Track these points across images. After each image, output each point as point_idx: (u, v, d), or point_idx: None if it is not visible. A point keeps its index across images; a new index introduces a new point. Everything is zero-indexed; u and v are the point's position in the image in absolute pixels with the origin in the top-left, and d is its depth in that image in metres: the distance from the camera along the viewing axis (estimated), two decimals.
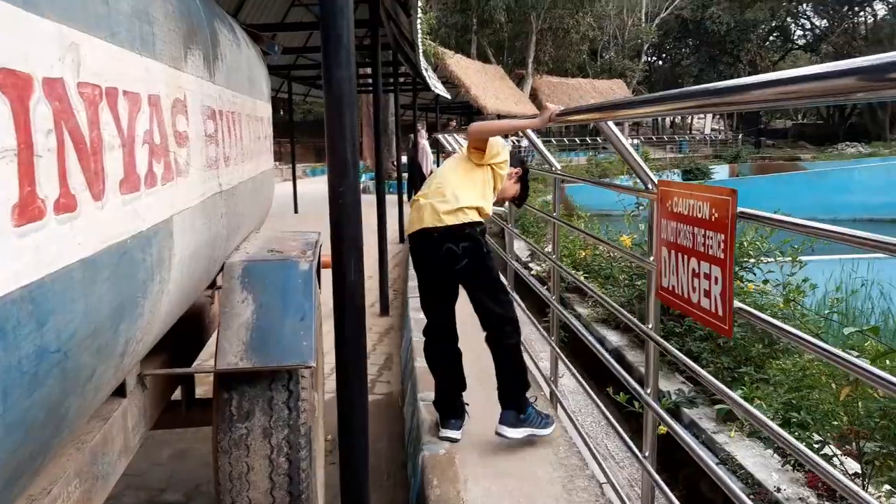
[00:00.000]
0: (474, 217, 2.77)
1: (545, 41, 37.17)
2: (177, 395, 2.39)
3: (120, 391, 1.68)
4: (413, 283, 6.11)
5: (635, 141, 38.67)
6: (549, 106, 2.72)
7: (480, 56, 36.33)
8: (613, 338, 5.63)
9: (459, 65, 27.56)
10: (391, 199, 10.65)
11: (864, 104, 48.96)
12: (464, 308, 2.96)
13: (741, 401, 1.66)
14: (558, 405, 3.28)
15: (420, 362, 3.67)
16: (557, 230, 3.22)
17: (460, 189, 2.78)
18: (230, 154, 2.08)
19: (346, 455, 1.76)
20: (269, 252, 2.21)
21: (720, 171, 31.03)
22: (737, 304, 1.48)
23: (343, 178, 1.68)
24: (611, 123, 2.06)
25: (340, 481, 1.79)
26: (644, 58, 47.60)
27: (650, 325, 2.06)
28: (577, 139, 36.06)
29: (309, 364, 1.88)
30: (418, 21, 7.03)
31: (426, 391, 3.22)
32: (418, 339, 4.15)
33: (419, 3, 5.98)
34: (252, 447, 1.93)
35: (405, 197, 11.30)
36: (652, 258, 2.06)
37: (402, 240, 9.62)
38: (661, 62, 54.16)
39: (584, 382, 3.17)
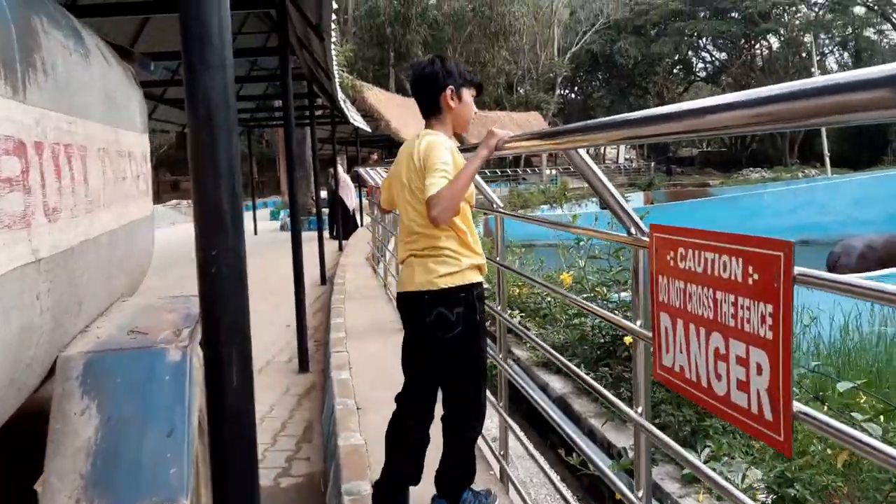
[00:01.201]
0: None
1: None
2: None
3: None
4: (336, 333, 5.54)
5: (553, 171, 39.33)
6: (496, 131, 2.27)
7: (399, 89, 36.25)
8: (557, 384, 5.19)
9: (378, 97, 27.28)
10: (310, 236, 10.04)
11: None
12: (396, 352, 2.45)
13: (725, 485, 1.21)
14: (509, 483, 2.77)
15: (345, 439, 3.10)
16: (503, 277, 2.74)
17: None
18: (59, 204, 1.47)
19: None
20: (129, 334, 1.61)
21: (635, 199, 31.81)
22: (797, 405, 1.03)
23: (217, 234, 1.14)
24: (581, 152, 1.61)
25: None
26: (558, 91, 48.88)
27: (640, 411, 1.59)
28: (497, 170, 36.30)
29: (180, 503, 1.31)
30: (333, 49, 6.56)
31: (354, 480, 2.65)
32: (343, 408, 3.58)
33: (332, 28, 5.50)
34: None
35: (325, 233, 10.67)
36: (639, 323, 1.60)
37: (323, 281, 8.97)
38: (573, 95, 55.78)
39: (536, 455, 2.70)
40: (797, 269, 1.01)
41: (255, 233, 16.75)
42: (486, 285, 2.47)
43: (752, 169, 43.70)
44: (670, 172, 46.42)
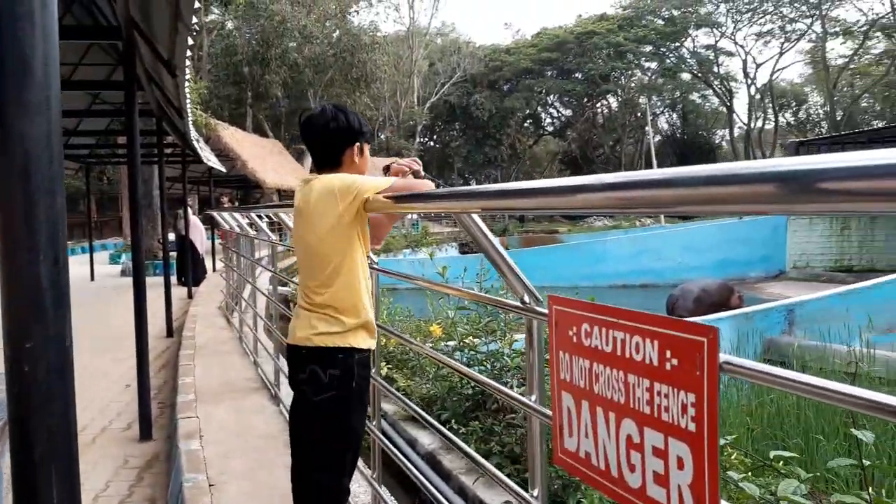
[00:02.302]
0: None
1: None
2: None
3: None
4: (184, 395, 5.01)
5: (415, 216, 39.81)
6: (401, 163, 2.40)
7: (257, 129, 35.32)
8: (425, 439, 5.02)
9: (234, 137, 26.34)
10: (156, 282, 9.24)
11: None
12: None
13: None
14: None
15: None
16: (378, 286, 2.56)
17: None
18: None
19: None
20: None
21: None
22: None
23: (32, 320, 0.88)
24: (475, 216, 1.50)
25: None
26: (418, 138, 49.96)
27: (535, 494, 1.47)
28: None
29: None
30: (186, 86, 6.15)
31: None
32: (192, 485, 3.17)
33: (187, 65, 5.14)
34: None
35: (172, 279, 9.89)
36: (534, 398, 1.49)
37: (170, 333, 8.25)
38: (433, 143, 57.28)
39: None
40: (723, 357, 0.93)
41: (92, 279, 15.32)
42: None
43: (596, 218, 46.79)
44: (523, 220, 48.56)
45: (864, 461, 2.18)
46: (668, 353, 1.01)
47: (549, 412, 1.35)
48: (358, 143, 2.33)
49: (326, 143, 2.30)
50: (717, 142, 58.09)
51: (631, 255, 24.22)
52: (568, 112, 57.77)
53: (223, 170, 18.00)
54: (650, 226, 36.06)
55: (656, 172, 0.82)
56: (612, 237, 27.56)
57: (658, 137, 55.51)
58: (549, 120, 60.34)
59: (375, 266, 2.54)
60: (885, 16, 44.12)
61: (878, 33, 45.34)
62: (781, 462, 2.29)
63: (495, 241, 1.50)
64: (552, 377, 1.32)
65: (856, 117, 49.71)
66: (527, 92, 51.64)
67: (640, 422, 1.08)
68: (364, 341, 2.20)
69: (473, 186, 1.46)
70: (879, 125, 40.94)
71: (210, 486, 3.16)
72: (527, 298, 1.48)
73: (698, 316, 15.70)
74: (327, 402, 2.14)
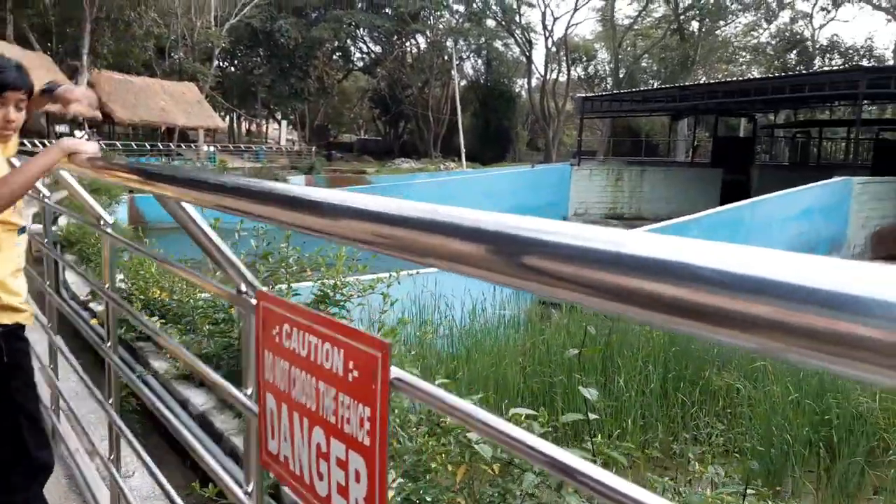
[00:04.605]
0: None
1: (102, 32, 33.05)
2: None
3: None
4: None
5: (212, 149, 37.31)
6: (82, 146, 1.96)
7: (20, 41, 30.47)
8: (199, 399, 4.78)
9: None
10: None
11: (412, 123, 56.56)
12: None
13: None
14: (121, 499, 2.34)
15: None
16: (113, 313, 2.30)
17: None
18: None
19: None
20: None
21: (297, 182, 32.01)
22: None
23: None
24: (188, 206, 1.34)
25: None
26: (216, 62, 46.36)
27: (250, 490, 1.41)
28: (147, 143, 33.01)
29: None
30: None
31: None
32: None
33: None
34: None
35: None
36: (250, 392, 1.41)
37: None
38: (233, 69, 53.55)
39: (159, 475, 2.34)
40: (394, 372, 0.92)
41: None
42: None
43: (403, 159, 47.33)
44: (330, 157, 47.74)
45: (589, 415, 2.43)
46: (351, 364, 0.98)
47: (257, 406, 1.29)
48: None
49: None
50: (516, 91, 60.96)
51: (436, 199, 24.77)
52: (378, 49, 56.98)
53: None
54: (453, 170, 37.29)
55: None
56: (419, 180, 28.10)
57: (464, 82, 56.95)
58: (358, 55, 59.17)
59: (108, 230, 2.26)
60: None
61: None
62: (524, 417, 2.47)
63: (207, 228, 1.36)
64: (257, 376, 1.26)
65: (636, 76, 54.79)
66: (335, 23, 49.88)
67: (327, 431, 1.05)
68: (6, 320, 2.11)
69: (190, 172, 1.31)
70: (655, 85, 45.60)
71: None
72: (244, 288, 1.39)
73: None
74: None
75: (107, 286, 2.35)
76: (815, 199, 14.50)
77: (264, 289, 1.24)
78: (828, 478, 5.74)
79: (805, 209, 14.34)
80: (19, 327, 2.16)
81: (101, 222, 2.34)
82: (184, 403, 4.87)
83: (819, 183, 14.67)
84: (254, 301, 1.34)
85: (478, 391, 6.67)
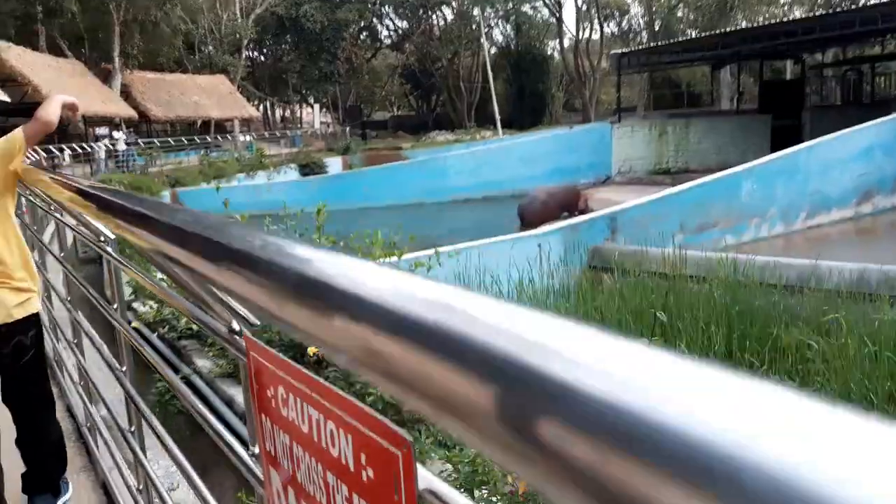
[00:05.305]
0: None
1: (132, 34, 33.29)
2: None
3: None
4: None
5: (248, 138, 37.53)
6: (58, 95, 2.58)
7: (53, 49, 30.96)
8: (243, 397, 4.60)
9: (23, 59, 22.98)
10: None
11: (444, 96, 55.93)
12: None
13: None
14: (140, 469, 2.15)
15: None
16: (115, 269, 2.07)
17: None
18: None
19: None
20: None
21: (334, 164, 31.93)
22: None
23: None
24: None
25: None
26: (245, 53, 46.46)
27: None
28: (184, 138, 33.32)
29: None
30: None
31: None
32: None
33: None
34: None
35: None
36: (257, 450, 1.14)
37: None
38: (262, 58, 53.65)
39: (161, 431, 2.13)
40: (423, 481, 0.62)
41: None
42: None
43: (438, 131, 46.82)
44: (365, 137, 47.55)
45: None
46: (364, 458, 0.69)
47: (263, 477, 1.01)
48: None
49: None
50: (549, 53, 59.50)
51: (472, 168, 24.50)
52: (404, 24, 56.25)
53: (7, 99, 15.63)
54: (489, 139, 36.71)
55: None
56: (454, 152, 27.66)
57: (494, 49, 55.82)
58: (385, 32, 58.53)
59: (112, 253, 2.02)
60: None
61: None
62: None
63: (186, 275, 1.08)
64: (260, 446, 0.98)
65: (672, 27, 52.78)
66: (360, 3, 49.33)
67: None
68: (39, 304, 2.61)
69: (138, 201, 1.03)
70: (693, 34, 43.85)
71: None
72: (235, 325, 1.11)
73: (547, 219, 16.30)
74: (30, 360, 2.49)
75: (115, 307, 2.14)
76: (874, 136, 13.63)
77: (254, 338, 0.95)
78: None
79: (865, 148, 13.50)
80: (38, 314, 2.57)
81: (102, 238, 2.10)
82: (229, 402, 4.69)
83: (878, 120, 13.76)
84: (242, 342, 1.06)
85: None
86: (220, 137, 36.82)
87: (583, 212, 16.22)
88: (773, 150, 20.93)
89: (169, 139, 32.66)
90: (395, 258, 4.64)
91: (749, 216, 11.83)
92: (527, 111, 52.08)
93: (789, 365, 6.33)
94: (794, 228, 12.45)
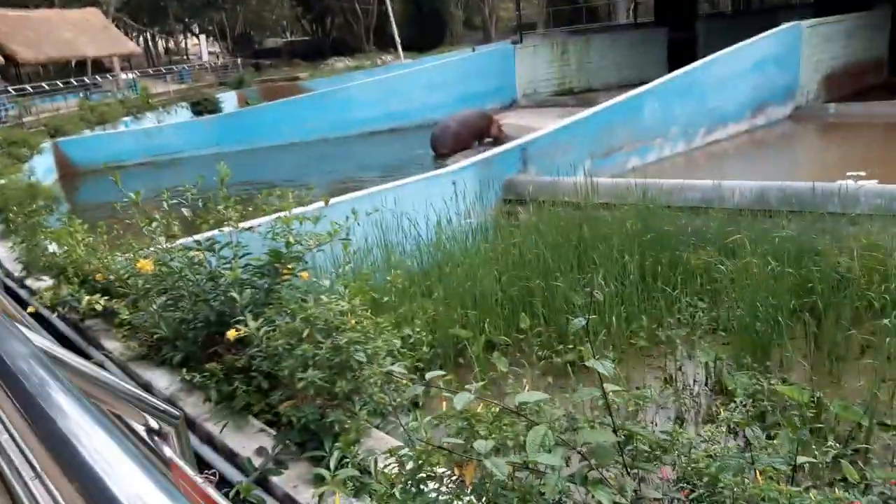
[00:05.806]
0: None
1: None
2: None
3: None
4: None
5: (131, 76, 34.76)
6: None
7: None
8: (163, 381, 4.36)
9: None
10: None
11: (340, 18, 53.46)
12: None
13: None
14: None
15: None
16: None
17: None
18: None
19: None
20: None
21: (229, 100, 30.19)
22: None
23: None
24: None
25: None
26: None
27: None
28: (59, 82, 30.47)
29: None
30: None
31: None
32: None
33: None
34: None
35: None
36: None
37: None
38: None
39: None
40: None
41: None
42: None
43: (336, 58, 44.99)
44: (259, 67, 45.06)
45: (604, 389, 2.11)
46: None
47: None
48: None
49: None
50: None
51: (378, 99, 23.74)
52: None
53: None
54: (391, 63, 35.59)
55: None
56: (358, 81, 26.63)
57: None
58: None
59: None
60: None
61: None
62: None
63: (105, 377, 0.90)
64: None
65: None
66: None
67: None
68: None
69: None
70: None
71: None
72: (154, 424, 0.94)
73: (461, 147, 16.07)
74: None
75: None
76: (766, 49, 14.09)
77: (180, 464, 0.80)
78: (815, 345, 5.69)
79: (758, 61, 13.96)
80: None
81: None
82: (147, 387, 4.46)
83: (768, 32, 14.19)
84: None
85: (456, 309, 6.43)
86: (99, 77, 33.91)
87: (496, 137, 16.11)
88: (670, 64, 21.39)
89: (42, 84, 29.78)
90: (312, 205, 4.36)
91: (652, 137, 12.11)
92: (427, 32, 50.67)
93: (699, 287, 6.62)
94: (694, 146, 12.87)
